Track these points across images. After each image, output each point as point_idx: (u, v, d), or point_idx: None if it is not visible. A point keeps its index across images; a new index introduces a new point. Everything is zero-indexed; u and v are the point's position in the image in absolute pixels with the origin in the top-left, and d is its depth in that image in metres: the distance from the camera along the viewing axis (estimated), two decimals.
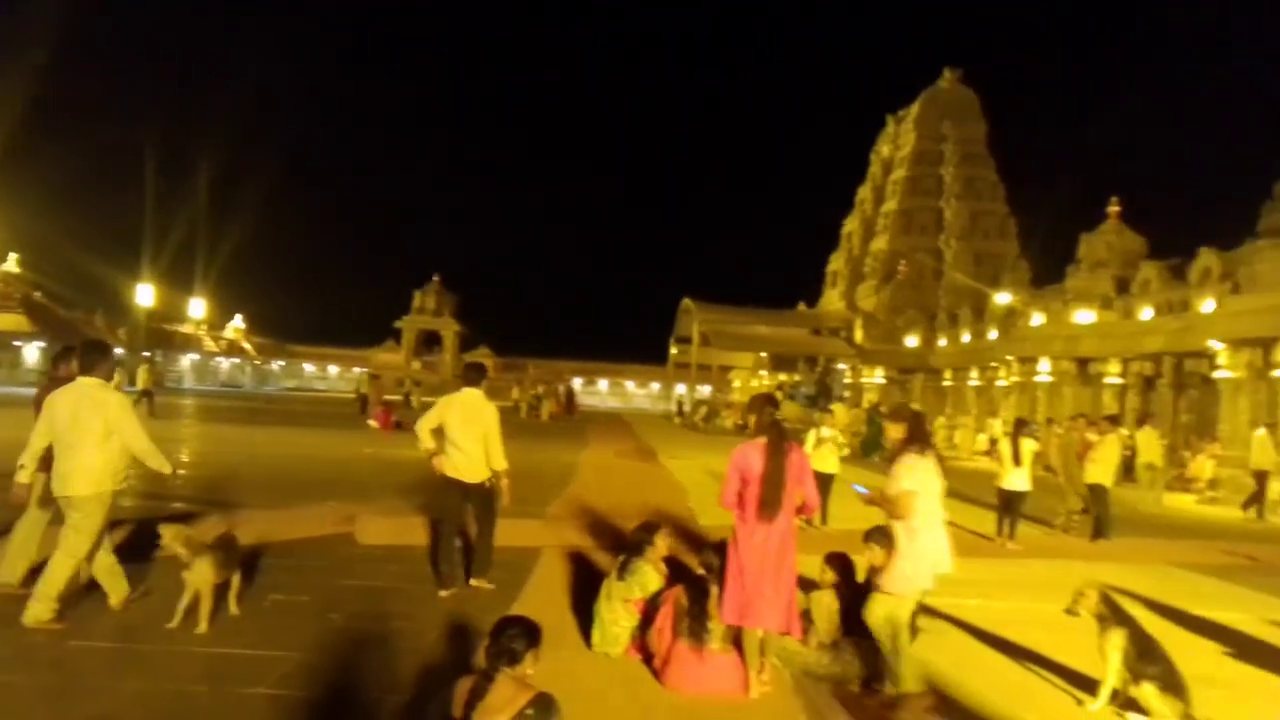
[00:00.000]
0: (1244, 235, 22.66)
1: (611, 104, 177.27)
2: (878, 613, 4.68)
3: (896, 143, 48.42)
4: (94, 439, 5.12)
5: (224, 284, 56.63)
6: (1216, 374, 18.18)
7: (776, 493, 4.60)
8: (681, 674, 4.65)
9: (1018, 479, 10.37)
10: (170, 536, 5.20)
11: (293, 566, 6.93)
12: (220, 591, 5.40)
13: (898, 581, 4.66)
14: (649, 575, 5.34)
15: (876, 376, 39.54)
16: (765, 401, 4.96)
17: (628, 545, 5.70)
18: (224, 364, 60.41)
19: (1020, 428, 10.98)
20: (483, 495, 6.53)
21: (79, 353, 5.50)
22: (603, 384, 70.40)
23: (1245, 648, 6.21)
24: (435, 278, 61.77)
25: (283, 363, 65.06)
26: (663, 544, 5.57)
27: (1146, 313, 22.44)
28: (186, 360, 56.03)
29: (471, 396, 6.47)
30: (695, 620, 4.75)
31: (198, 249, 51.94)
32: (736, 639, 4.71)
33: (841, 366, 42.96)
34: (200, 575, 5.14)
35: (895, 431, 4.99)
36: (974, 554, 9.73)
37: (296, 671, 4.62)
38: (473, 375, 6.65)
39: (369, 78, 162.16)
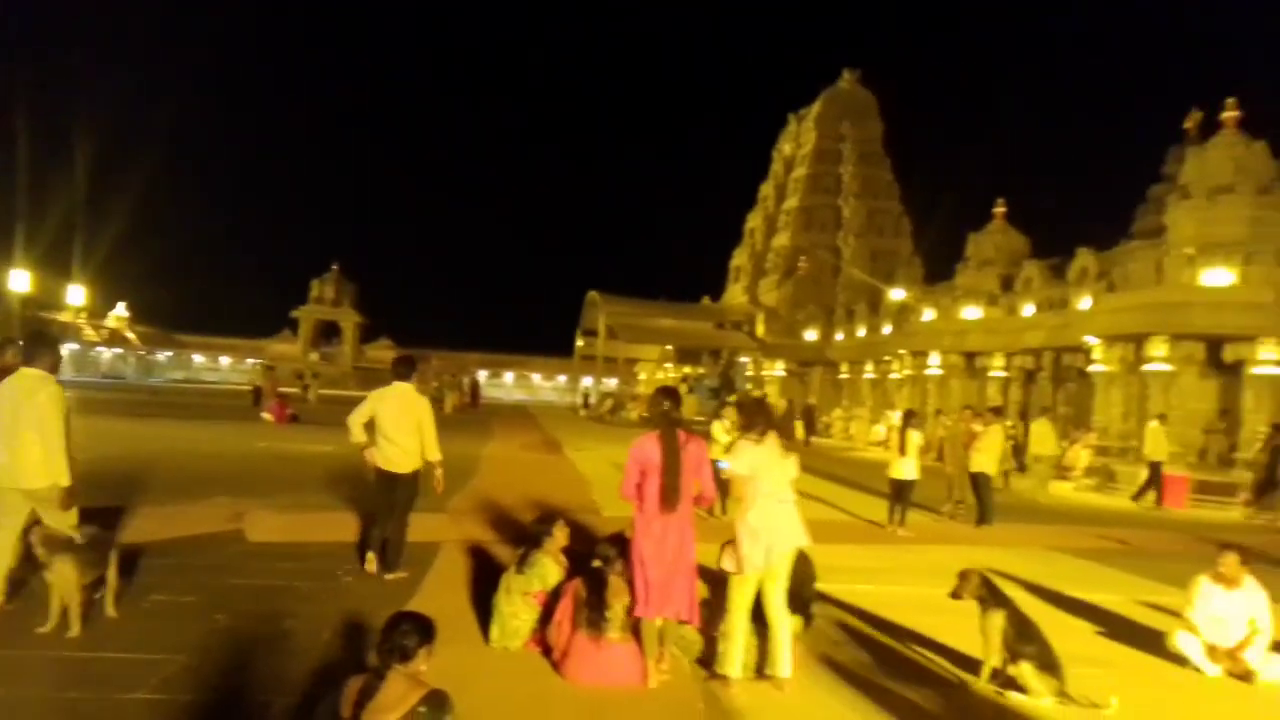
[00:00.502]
0: (1119, 237, 24.12)
1: (517, 93, 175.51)
2: (730, 595, 4.82)
3: (798, 141, 49.43)
4: (33, 430, 5.09)
5: (106, 271, 53.30)
6: (1092, 368, 19.24)
7: (675, 482, 4.68)
8: (581, 665, 4.65)
9: (905, 468, 10.79)
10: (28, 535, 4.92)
11: (176, 566, 6.62)
12: (92, 592, 5.12)
13: (733, 562, 4.82)
14: (549, 568, 5.32)
15: (777, 369, 40.38)
16: (662, 395, 5.03)
17: (527, 538, 5.67)
18: (105, 354, 57.22)
19: (908, 420, 11.43)
20: (408, 485, 6.72)
21: (25, 344, 5.56)
22: (508, 376, 69.74)
23: (1116, 627, 6.58)
24: (334, 266, 59.89)
25: (170, 353, 62.01)
26: (561, 535, 5.56)
27: (1029, 309, 23.59)
28: (64, 350, 52.78)
29: (403, 390, 6.69)
30: (593, 610, 4.76)
31: (77, 234, 48.82)
32: (636, 629, 4.75)
33: (744, 359, 43.68)
34: (61, 576, 4.84)
35: (742, 419, 5.15)
36: (867, 541, 10.10)
37: (179, 675, 4.41)
38: (403, 370, 6.82)
39: (263, 57, 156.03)
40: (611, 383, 54.77)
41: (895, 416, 25.42)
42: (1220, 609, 5.60)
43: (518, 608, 5.11)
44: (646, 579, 4.63)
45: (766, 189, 51.14)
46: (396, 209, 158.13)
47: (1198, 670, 5.49)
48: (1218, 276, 16.88)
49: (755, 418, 5.09)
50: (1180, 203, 17.95)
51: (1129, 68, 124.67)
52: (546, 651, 4.96)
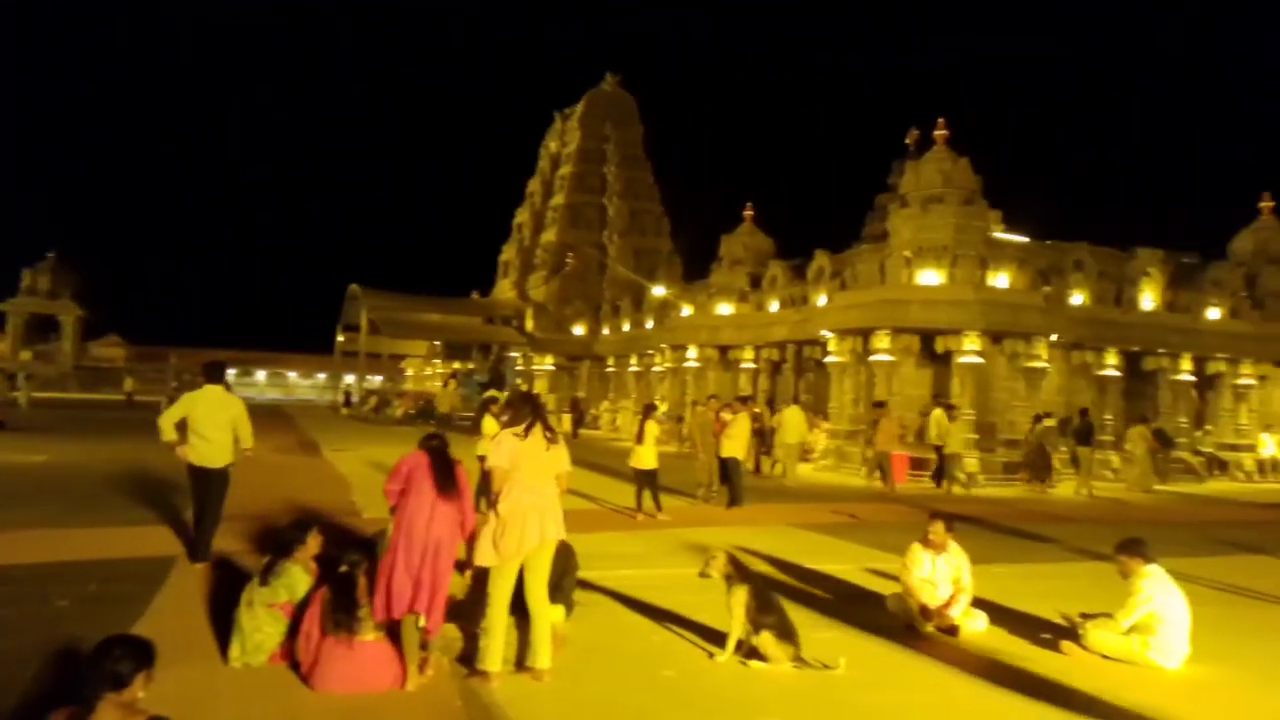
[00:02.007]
0: (852, 240, 26.54)
1: (276, 79, 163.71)
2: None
3: (564, 139, 50.08)
4: None
5: None
6: (828, 359, 21.03)
7: (450, 474, 4.77)
8: (332, 673, 4.45)
9: (644, 457, 11.26)
10: None
11: None
12: None
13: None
14: (297, 577, 5.04)
15: (547, 364, 40.70)
16: (431, 437, 5.11)
17: (276, 546, 5.35)
18: None
19: (647, 412, 11.96)
20: (221, 479, 7.35)
21: None
22: (260, 374, 65.24)
23: (846, 593, 7.25)
24: (50, 254, 53.12)
25: None
26: (313, 542, 5.29)
27: (774, 306, 25.36)
28: None
29: (215, 392, 7.36)
30: (344, 611, 4.58)
31: None
32: (393, 632, 4.63)
33: (514, 354, 43.64)
34: None
35: (505, 414, 5.22)
36: (628, 527, 10.45)
37: None
38: (215, 373, 7.48)
39: None
40: (376, 379, 52.78)
41: (663, 408, 26.57)
42: (930, 571, 6.33)
43: (261, 621, 4.79)
44: (409, 577, 4.55)
45: (534, 185, 51.37)
46: (127, 191, 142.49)
47: (913, 628, 6.13)
48: (930, 277, 19.02)
49: (521, 410, 5.10)
50: (900, 210, 20.03)
51: (865, 87, 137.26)
52: (295, 666, 4.70)
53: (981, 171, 19.76)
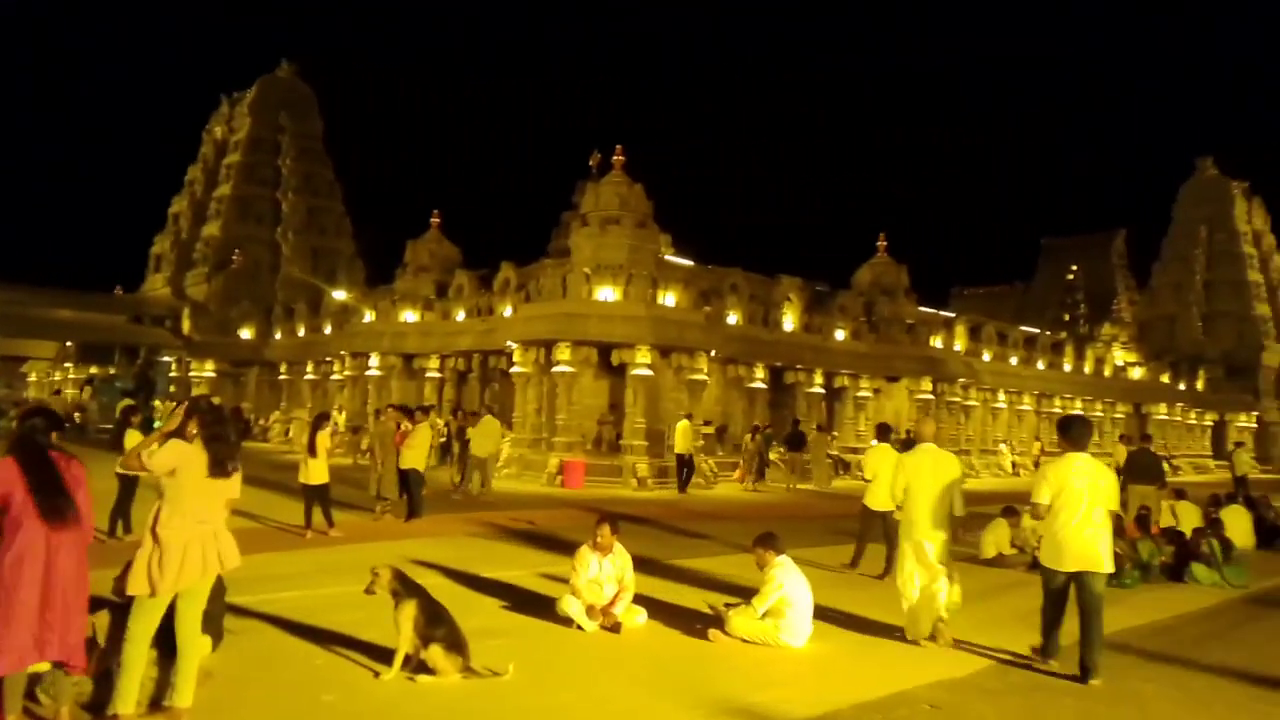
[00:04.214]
0: (539, 254, 27.18)
1: None
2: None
3: (231, 125, 46.02)
4: None
5: None
6: (513, 369, 21.36)
7: (57, 492, 4.13)
8: None
9: (314, 471, 10.76)
10: None
11: None
12: None
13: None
14: None
15: (207, 370, 36.95)
16: (31, 414, 4.50)
17: None
18: None
19: (318, 422, 11.43)
20: None
21: None
22: None
23: (518, 599, 7.41)
24: None
25: None
26: None
27: (461, 315, 25.27)
28: None
29: None
30: None
31: None
32: None
33: (167, 358, 39.14)
34: None
35: (173, 422, 4.72)
36: (295, 547, 9.86)
37: None
38: None
39: None
40: None
41: (342, 418, 25.24)
42: (597, 572, 6.68)
43: None
44: (28, 620, 3.95)
45: (195, 173, 46.66)
46: None
47: (580, 628, 6.43)
48: (607, 293, 20.05)
49: (216, 429, 4.58)
50: (581, 229, 20.95)
51: (555, 103, 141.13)
52: None
53: (653, 196, 21.25)
